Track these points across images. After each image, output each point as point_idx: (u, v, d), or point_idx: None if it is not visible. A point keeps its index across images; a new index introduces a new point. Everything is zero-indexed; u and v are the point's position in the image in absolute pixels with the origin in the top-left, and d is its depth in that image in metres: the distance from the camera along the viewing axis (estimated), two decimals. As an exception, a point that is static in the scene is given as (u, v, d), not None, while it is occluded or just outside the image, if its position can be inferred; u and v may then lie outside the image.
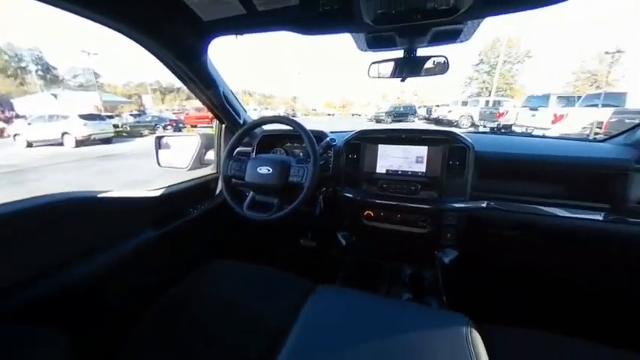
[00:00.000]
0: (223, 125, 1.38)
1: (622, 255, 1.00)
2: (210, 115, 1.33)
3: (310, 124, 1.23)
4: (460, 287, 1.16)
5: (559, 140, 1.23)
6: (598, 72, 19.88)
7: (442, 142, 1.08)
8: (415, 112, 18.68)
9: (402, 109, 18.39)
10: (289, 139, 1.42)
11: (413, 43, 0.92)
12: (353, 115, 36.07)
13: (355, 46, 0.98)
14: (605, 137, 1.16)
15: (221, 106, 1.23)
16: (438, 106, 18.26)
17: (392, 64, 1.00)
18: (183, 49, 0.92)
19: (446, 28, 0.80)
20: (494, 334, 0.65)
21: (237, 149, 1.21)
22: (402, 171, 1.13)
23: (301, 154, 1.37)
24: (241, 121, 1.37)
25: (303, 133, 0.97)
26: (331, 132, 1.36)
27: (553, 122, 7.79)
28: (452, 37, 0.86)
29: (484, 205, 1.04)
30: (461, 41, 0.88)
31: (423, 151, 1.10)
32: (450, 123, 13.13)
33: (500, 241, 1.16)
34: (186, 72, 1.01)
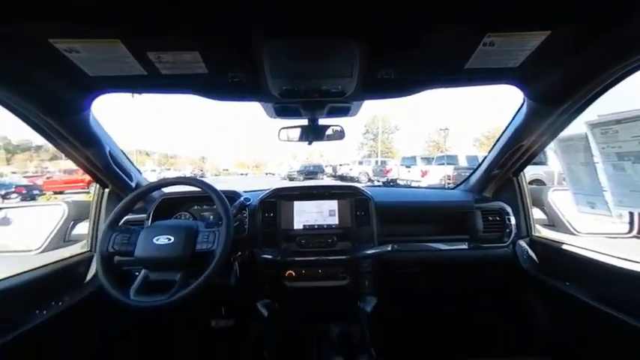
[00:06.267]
0: (106, 190, 1.14)
1: (480, 273, 1.30)
2: (87, 177, 1.08)
3: (222, 184, 1.17)
4: (385, 335, 1.18)
5: (428, 189, 1.68)
6: (439, 141, 28.62)
7: (348, 195, 1.23)
8: (323, 171, 20.90)
9: (311, 167, 20.19)
10: (196, 201, 1.28)
11: (314, 114, 1.09)
12: (267, 173, 36.73)
13: (265, 113, 1.08)
14: (454, 186, 1.66)
15: (105, 167, 1.03)
16: (341, 165, 21.17)
17: (299, 130, 1.15)
18: (54, 103, 0.76)
19: (338, 105, 1.01)
20: None
21: (126, 218, 0.99)
22: (318, 225, 1.19)
23: (212, 217, 1.24)
24: (133, 184, 1.17)
25: (212, 193, 0.90)
26: (244, 191, 1.33)
27: (422, 176, 10.61)
28: (343, 112, 1.07)
29: (389, 248, 1.19)
30: (350, 115, 1.12)
31: (334, 204, 1.21)
32: (352, 179, 15.56)
33: (407, 280, 1.33)
34: (55, 129, 0.83)
